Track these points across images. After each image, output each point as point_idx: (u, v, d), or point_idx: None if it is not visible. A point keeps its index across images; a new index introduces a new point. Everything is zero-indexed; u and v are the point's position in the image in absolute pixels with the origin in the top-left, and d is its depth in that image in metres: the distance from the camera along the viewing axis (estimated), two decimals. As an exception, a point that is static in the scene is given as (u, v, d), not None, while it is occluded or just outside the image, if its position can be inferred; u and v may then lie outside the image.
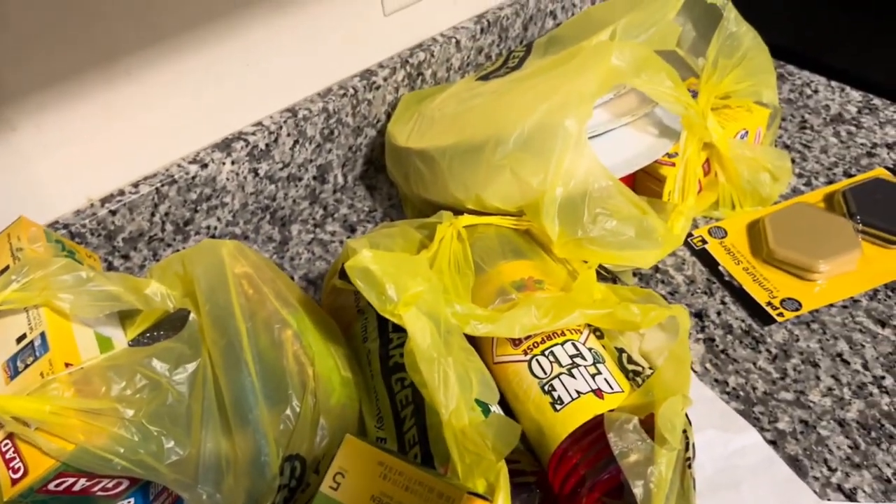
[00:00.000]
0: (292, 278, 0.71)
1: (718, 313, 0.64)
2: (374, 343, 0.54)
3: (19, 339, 0.50)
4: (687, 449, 0.47)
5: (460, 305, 0.48)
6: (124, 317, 0.56)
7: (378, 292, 0.44)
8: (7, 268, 0.56)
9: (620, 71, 0.60)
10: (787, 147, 0.82)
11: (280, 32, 0.70)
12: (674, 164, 0.69)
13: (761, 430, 0.55)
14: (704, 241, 0.71)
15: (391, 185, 0.83)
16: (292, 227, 0.78)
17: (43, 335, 0.49)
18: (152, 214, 0.67)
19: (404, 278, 0.45)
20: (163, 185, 0.66)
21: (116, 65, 0.61)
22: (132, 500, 0.51)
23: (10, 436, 0.46)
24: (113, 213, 0.64)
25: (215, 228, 0.73)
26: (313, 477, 0.46)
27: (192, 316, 0.50)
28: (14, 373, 0.49)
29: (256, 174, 0.73)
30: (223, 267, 0.50)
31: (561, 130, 0.57)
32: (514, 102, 0.62)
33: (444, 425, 0.42)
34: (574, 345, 0.51)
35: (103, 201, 0.65)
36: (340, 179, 0.82)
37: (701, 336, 0.62)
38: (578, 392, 0.48)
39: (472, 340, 0.50)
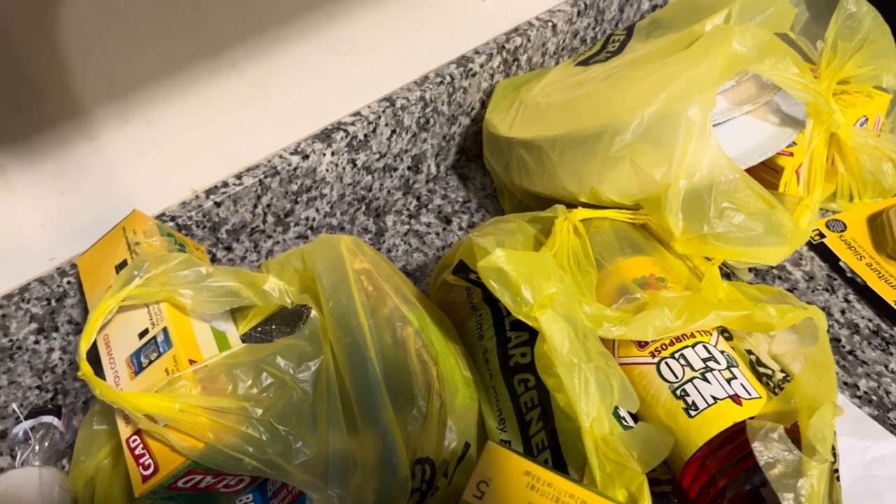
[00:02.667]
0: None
1: (843, 312, 0.61)
2: (490, 342, 0.53)
3: (141, 335, 0.50)
4: (834, 460, 0.44)
5: (589, 306, 0.46)
6: (234, 310, 0.56)
7: (513, 294, 0.43)
8: (125, 262, 0.56)
9: (743, 57, 0.57)
10: (904, 134, 0.77)
11: (379, 21, 0.69)
12: (791, 154, 0.66)
13: (899, 437, 0.52)
14: (822, 235, 0.67)
15: (484, 174, 0.81)
16: (387, 218, 0.77)
17: (165, 331, 0.49)
18: (255, 206, 0.67)
19: (538, 279, 0.43)
20: (266, 177, 0.66)
21: (221, 57, 0.61)
22: (251, 496, 0.51)
23: (138, 432, 0.46)
24: (218, 204, 0.64)
25: (314, 220, 0.72)
26: (442, 481, 0.45)
27: (312, 312, 0.50)
28: (138, 368, 0.49)
29: (354, 165, 0.72)
30: (343, 263, 0.49)
31: (684, 119, 0.54)
32: (629, 90, 0.59)
33: (584, 433, 0.40)
34: (705, 347, 0.49)
35: (208, 193, 0.64)
36: (433, 169, 0.80)
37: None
38: (714, 398, 0.46)
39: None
